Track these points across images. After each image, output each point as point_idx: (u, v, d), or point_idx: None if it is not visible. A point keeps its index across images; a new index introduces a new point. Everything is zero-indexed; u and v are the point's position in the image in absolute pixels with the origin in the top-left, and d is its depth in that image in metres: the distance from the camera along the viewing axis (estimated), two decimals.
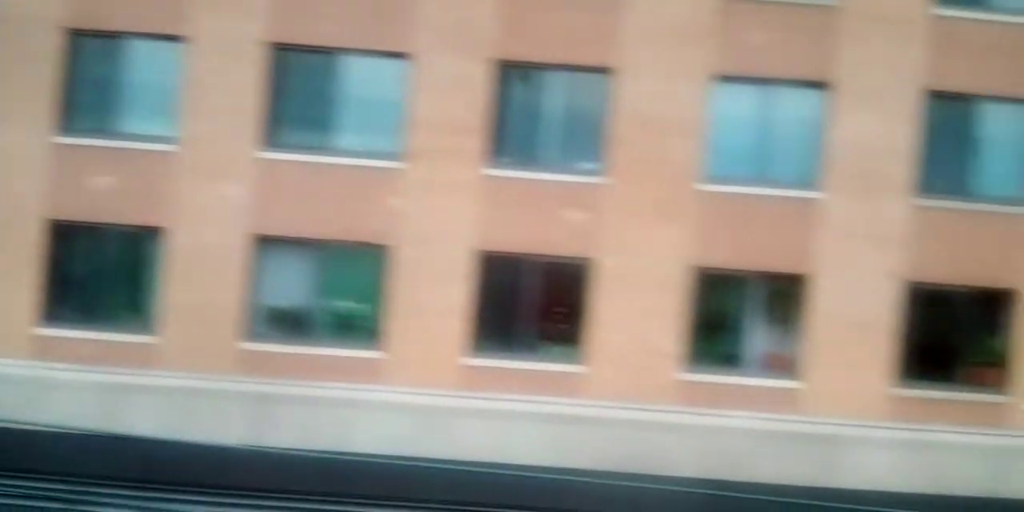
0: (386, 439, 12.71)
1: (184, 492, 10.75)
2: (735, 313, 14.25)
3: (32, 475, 10.96)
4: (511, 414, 13.34)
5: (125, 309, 14.21)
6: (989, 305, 14.10)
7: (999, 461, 13.01)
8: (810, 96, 13.96)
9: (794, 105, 14.03)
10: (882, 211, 13.88)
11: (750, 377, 14.03)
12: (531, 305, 14.07)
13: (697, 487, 11.08)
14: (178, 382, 13.44)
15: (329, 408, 13.22)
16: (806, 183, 13.93)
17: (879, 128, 13.83)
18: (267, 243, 13.96)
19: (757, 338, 14.23)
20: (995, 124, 14.03)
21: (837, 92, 13.85)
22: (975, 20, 13.85)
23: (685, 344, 13.95)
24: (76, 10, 13.92)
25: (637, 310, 13.86)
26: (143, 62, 14.15)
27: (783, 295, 14.16)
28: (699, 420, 13.31)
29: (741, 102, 14.00)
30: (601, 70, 13.89)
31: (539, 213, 13.90)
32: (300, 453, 11.27)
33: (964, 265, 13.94)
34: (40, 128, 13.78)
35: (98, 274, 14.26)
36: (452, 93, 13.81)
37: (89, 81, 14.09)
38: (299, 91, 14.09)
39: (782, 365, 14.07)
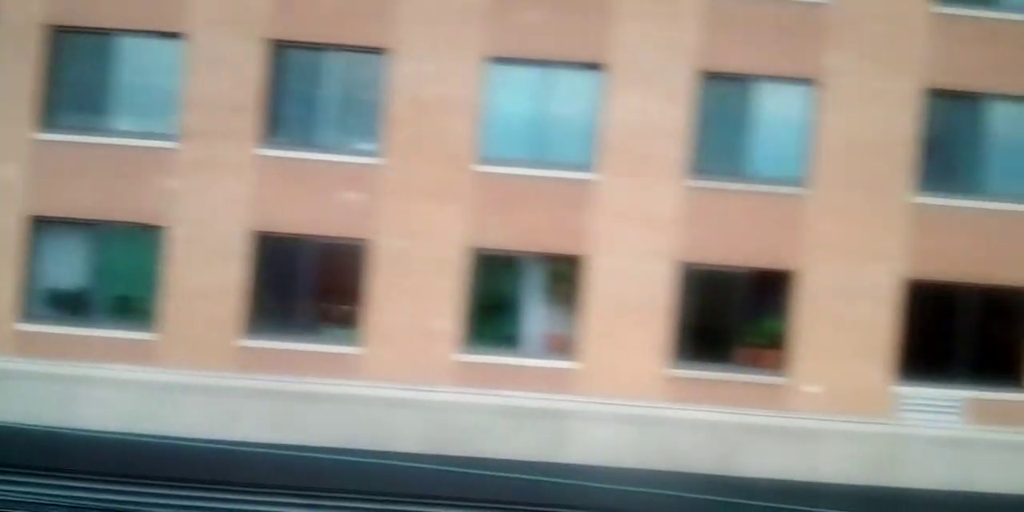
0: (111, 416, 12.70)
1: None
2: (514, 294, 14.25)
3: None
4: (263, 393, 13.30)
5: None
6: (766, 286, 14.10)
7: (742, 440, 12.92)
8: (586, 77, 13.95)
9: (570, 86, 14.01)
10: (657, 192, 13.88)
11: (528, 358, 14.03)
12: (309, 286, 14.07)
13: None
14: None
15: (78, 387, 13.18)
16: (582, 165, 13.91)
17: (654, 109, 13.82)
18: (43, 224, 13.92)
19: (536, 319, 14.23)
20: (769, 105, 14.01)
21: (612, 73, 13.83)
22: None
23: (463, 325, 13.95)
24: None
25: (415, 291, 13.85)
26: None
27: (561, 276, 14.16)
28: (448, 398, 13.27)
29: (517, 83, 13.98)
30: (377, 50, 13.86)
31: (316, 194, 13.87)
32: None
33: (740, 246, 13.95)
34: None
35: None
36: (226, 73, 13.77)
37: None
38: (76, 72, 14.03)
39: (560, 346, 14.08)
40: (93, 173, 13.84)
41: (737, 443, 12.64)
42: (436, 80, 13.82)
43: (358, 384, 13.53)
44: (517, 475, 9.97)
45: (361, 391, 13.35)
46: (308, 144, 13.94)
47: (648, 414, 13.05)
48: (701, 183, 13.90)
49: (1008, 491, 12.10)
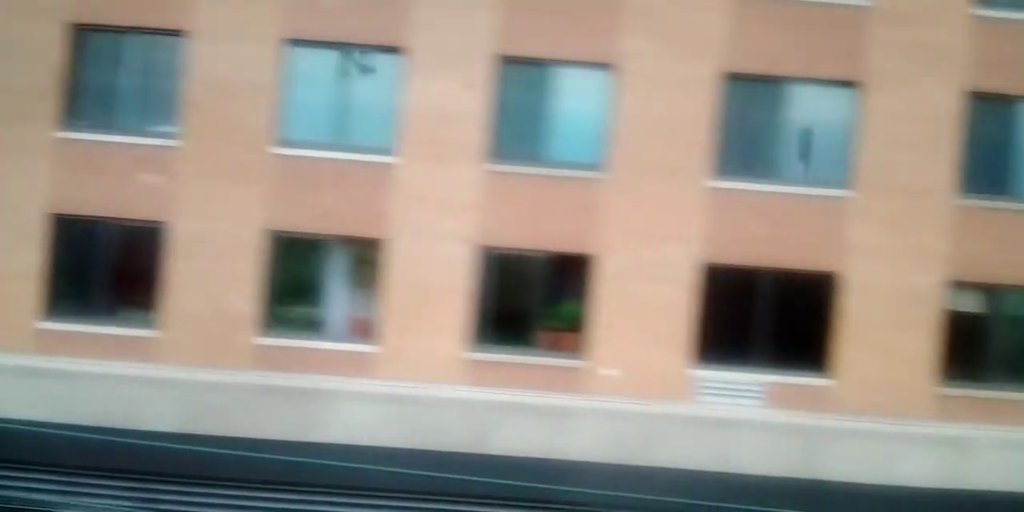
0: None
1: None
2: (316, 278, 14.27)
3: None
4: (42, 373, 13.27)
5: None
6: (566, 270, 14.13)
7: (509, 420, 12.78)
8: (386, 61, 13.97)
9: (370, 70, 14.05)
10: (456, 176, 13.89)
11: (331, 341, 14.05)
12: (107, 269, 14.07)
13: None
14: None
15: None
16: (383, 148, 13.93)
17: (453, 94, 13.82)
18: None
19: (338, 303, 14.26)
20: (568, 89, 14.04)
21: (412, 57, 13.85)
22: None
23: (263, 309, 13.96)
24: None
25: (213, 274, 13.87)
26: None
27: (362, 260, 14.19)
28: (228, 379, 13.22)
29: (317, 66, 14.01)
30: (176, 33, 13.88)
31: (115, 176, 13.88)
32: None
33: (540, 230, 13.97)
34: None
35: None
36: (27, 57, 13.77)
37: None
38: None
39: (363, 329, 14.09)
40: None
41: (501, 423, 12.60)
42: (235, 62, 13.83)
43: (147, 366, 13.49)
44: (251, 454, 9.99)
45: (146, 372, 13.28)
46: (108, 127, 13.94)
47: (422, 395, 13.02)
48: (501, 167, 13.92)
49: (754, 472, 12.05)
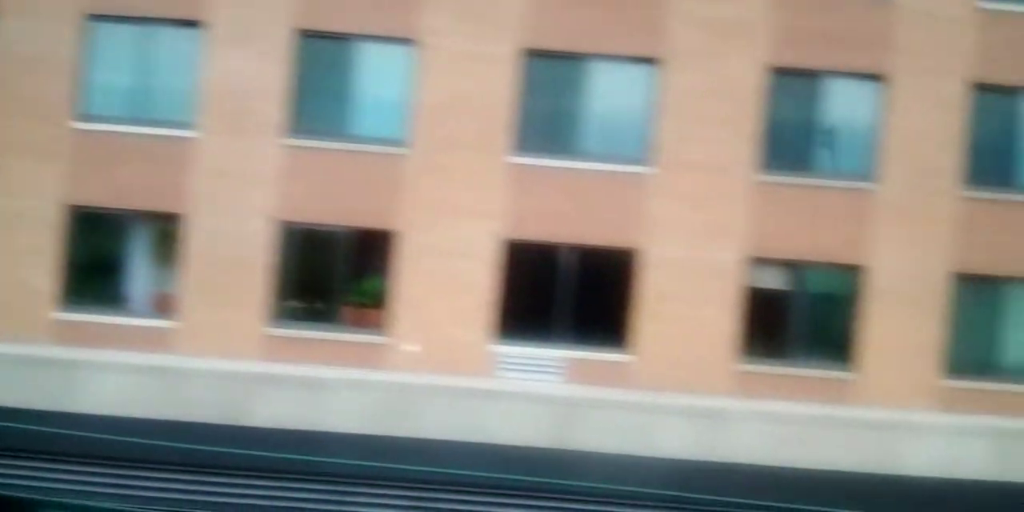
0: None
1: None
2: (117, 253, 14.22)
3: None
4: None
5: None
6: (368, 246, 14.12)
7: (267, 392, 12.70)
8: (187, 35, 13.94)
9: (171, 45, 14.03)
10: (255, 151, 13.89)
11: (133, 317, 14.00)
12: None
13: None
14: None
15: None
16: (183, 123, 13.91)
17: (252, 68, 13.84)
18: None
19: (139, 278, 14.22)
20: (370, 65, 14.04)
21: (211, 31, 13.84)
22: None
23: (63, 284, 13.91)
24: None
25: (12, 249, 13.81)
26: None
27: (164, 235, 14.15)
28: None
29: (118, 41, 13.99)
30: None
31: None
32: None
33: (342, 206, 13.97)
34: None
35: None
36: None
37: None
38: None
39: (164, 305, 14.05)
40: None
41: (269, 396, 12.49)
42: (36, 38, 13.80)
43: None
44: None
45: None
46: None
47: (192, 367, 12.91)
48: (302, 142, 13.91)
49: (501, 441, 12.00)
